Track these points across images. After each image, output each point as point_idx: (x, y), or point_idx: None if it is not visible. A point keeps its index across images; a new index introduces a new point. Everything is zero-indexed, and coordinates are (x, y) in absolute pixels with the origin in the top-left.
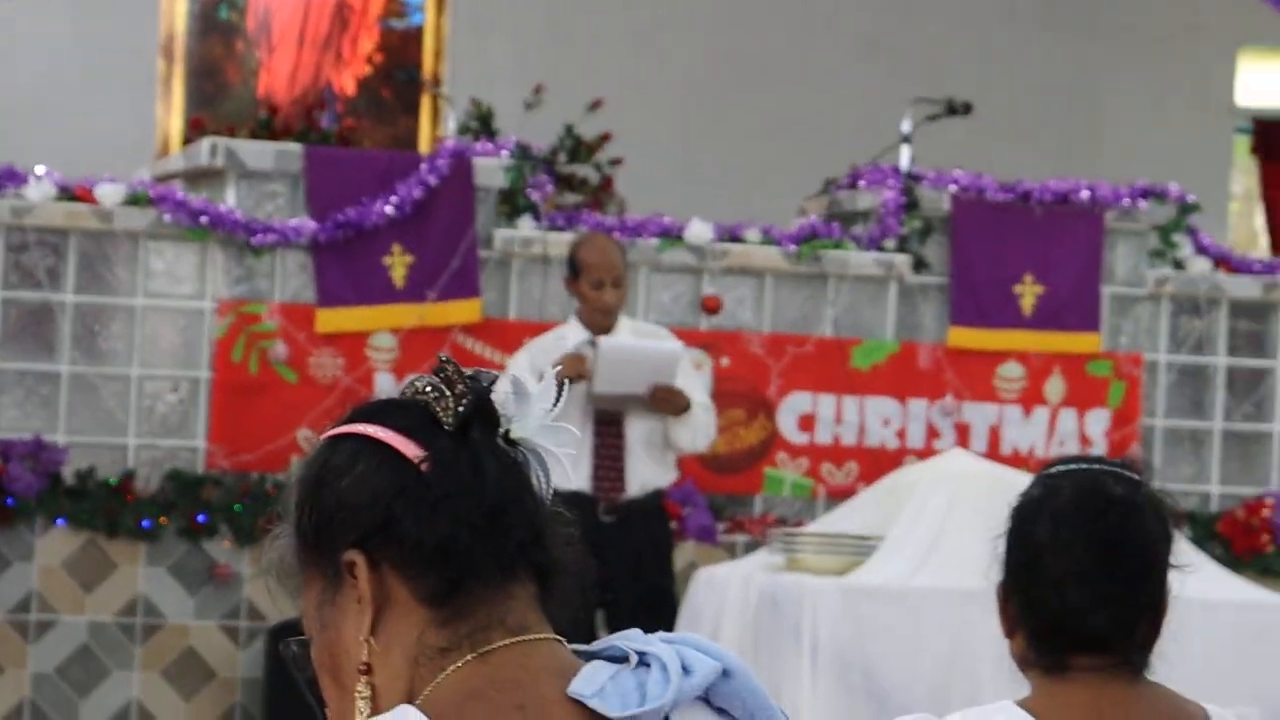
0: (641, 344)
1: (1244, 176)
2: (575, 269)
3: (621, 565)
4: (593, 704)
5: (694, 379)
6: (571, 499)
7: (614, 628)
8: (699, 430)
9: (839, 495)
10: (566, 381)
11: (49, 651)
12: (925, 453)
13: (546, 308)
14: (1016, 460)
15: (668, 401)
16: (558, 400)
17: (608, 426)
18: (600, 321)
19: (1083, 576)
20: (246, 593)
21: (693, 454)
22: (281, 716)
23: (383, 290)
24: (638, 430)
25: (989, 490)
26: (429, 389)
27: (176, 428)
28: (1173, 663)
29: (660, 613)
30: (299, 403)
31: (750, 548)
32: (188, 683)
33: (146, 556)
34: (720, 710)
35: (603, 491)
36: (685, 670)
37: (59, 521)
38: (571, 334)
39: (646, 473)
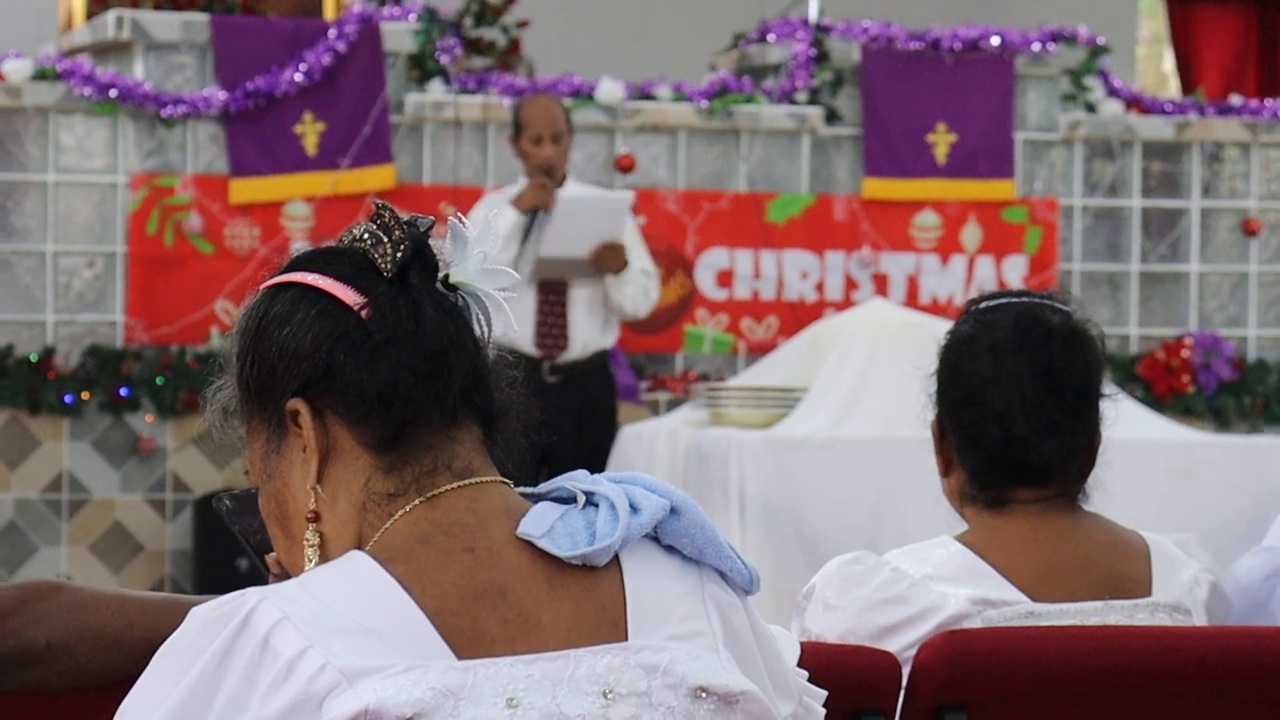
0: (592, 192)
1: (1149, 20)
2: (517, 127)
3: (565, 425)
4: (542, 544)
5: (639, 245)
6: (516, 360)
7: None
8: (637, 290)
9: (759, 350)
10: (535, 214)
11: None
12: (844, 304)
13: (460, 171)
14: (935, 309)
15: (610, 258)
16: (526, 237)
17: (551, 288)
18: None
19: (1028, 406)
20: (171, 465)
21: (632, 317)
22: (210, 586)
23: (295, 159)
24: (581, 292)
25: (910, 339)
26: (366, 236)
27: (94, 302)
28: (1107, 497)
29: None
30: (216, 274)
31: (672, 405)
32: (116, 556)
33: (70, 432)
34: (669, 548)
35: (546, 350)
36: (633, 508)
37: None
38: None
39: (589, 333)
